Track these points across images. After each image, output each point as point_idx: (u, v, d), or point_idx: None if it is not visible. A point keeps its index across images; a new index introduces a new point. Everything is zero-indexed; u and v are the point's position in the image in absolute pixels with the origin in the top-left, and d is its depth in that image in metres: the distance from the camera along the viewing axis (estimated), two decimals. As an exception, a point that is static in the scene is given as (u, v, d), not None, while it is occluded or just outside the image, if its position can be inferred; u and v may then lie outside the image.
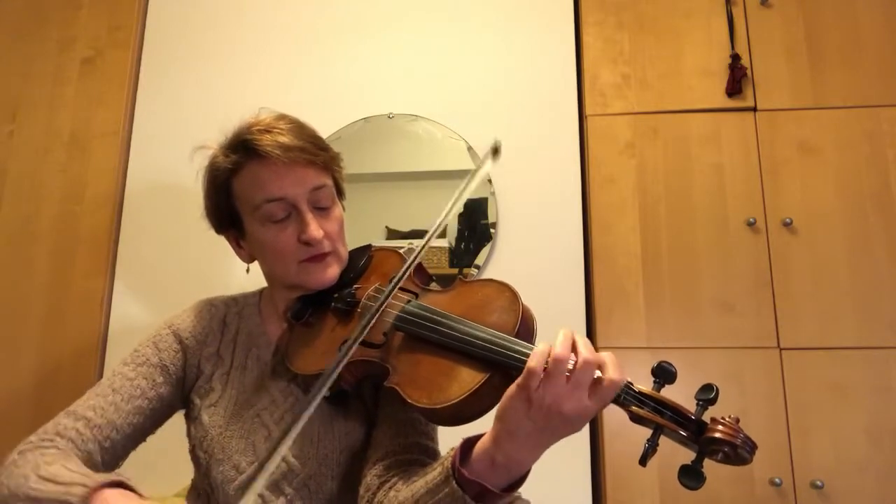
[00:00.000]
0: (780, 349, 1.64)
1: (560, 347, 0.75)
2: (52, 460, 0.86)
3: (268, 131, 1.00)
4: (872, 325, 1.63)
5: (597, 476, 1.66)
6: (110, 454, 0.95)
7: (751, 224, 1.71)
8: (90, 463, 0.92)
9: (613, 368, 0.76)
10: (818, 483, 1.54)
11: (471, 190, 0.94)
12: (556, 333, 0.78)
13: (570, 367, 0.75)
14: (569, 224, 1.83)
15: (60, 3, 2.07)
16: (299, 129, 1.04)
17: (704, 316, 1.68)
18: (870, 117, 1.76)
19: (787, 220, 1.70)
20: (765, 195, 1.74)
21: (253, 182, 1.01)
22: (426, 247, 0.93)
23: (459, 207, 0.96)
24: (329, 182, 1.05)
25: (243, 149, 1.01)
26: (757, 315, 1.67)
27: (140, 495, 0.79)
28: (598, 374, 0.76)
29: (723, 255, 1.71)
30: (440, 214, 0.92)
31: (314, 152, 1.02)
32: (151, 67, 2.04)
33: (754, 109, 1.80)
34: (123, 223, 1.93)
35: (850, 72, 1.79)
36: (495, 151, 0.95)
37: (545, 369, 0.75)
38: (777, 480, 1.55)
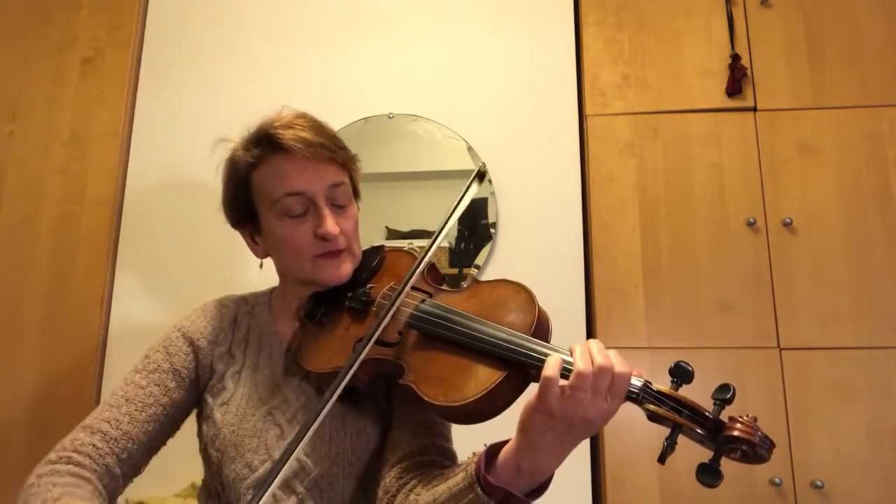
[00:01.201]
0: (780, 349, 1.64)
1: (581, 363, 0.76)
2: (59, 494, 0.86)
3: (290, 127, 1.02)
4: (872, 325, 1.63)
5: (597, 476, 1.66)
6: (128, 464, 0.96)
7: (751, 224, 1.71)
8: (109, 476, 0.93)
9: (620, 364, 0.77)
10: (818, 483, 1.54)
11: (461, 211, 0.98)
12: (565, 340, 0.80)
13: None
14: (569, 224, 1.83)
15: (60, 3, 2.07)
16: (319, 127, 1.06)
17: (704, 316, 1.68)
18: (870, 117, 1.76)
19: (787, 220, 1.70)
20: (765, 195, 1.74)
21: (272, 175, 1.02)
22: (435, 246, 0.94)
23: (453, 222, 1.00)
24: (347, 180, 1.06)
25: (266, 142, 1.03)
26: (757, 315, 1.67)
27: None
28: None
29: (723, 255, 1.71)
30: (435, 229, 0.97)
31: (334, 149, 1.03)
32: (151, 67, 2.04)
33: (754, 109, 1.80)
34: (123, 223, 1.93)
35: (850, 72, 1.79)
36: (481, 177, 1.00)
37: (569, 386, 0.75)
38: (777, 480, 1.55)
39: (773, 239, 1.71)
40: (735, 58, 1.82)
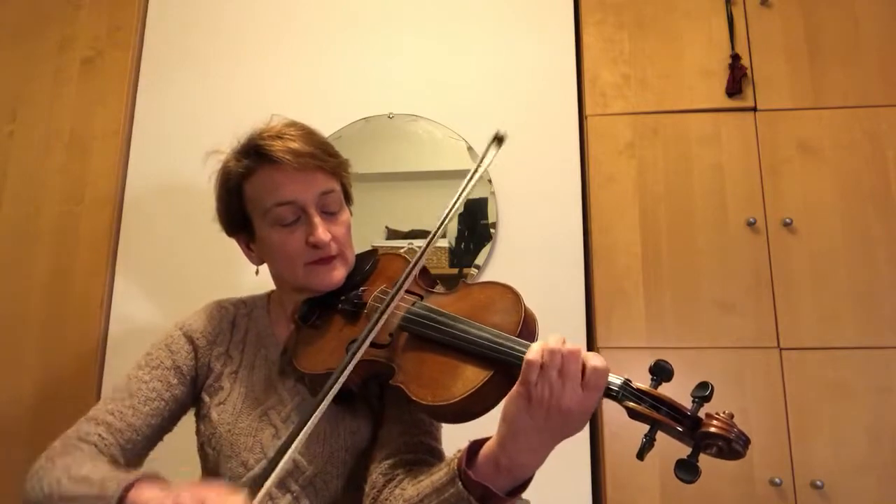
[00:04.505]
0: (780, 349, 1.64)
1: (553, 342, 0.79)
2: (81, 462, 0.89)
3: (279, 137, 1.03)
4: (872, 325, 1.63)
5: (597, 476, 1.66)
6: (132, 454, 0.99)
7: (751, 224, 1.72)
8: (114, 465, 0.95)
9: (593, 357, 0.79)
10: (818, 483, 1.54)
11: (474, 183, 0.98)
12: (556, 334, 0.80)
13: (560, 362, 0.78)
14: (569, 224, 1.82)
15: (60, 3, 2.07)
16: (309, 135, 1.07)
17: (704, 316, 1.68)
18: (870, 117, 1.76)
19: (787, 220, 1.70)
20: (765, 195, 1.74)
21: (264, 186, 1.03)
22: (432, 245, 0.96)
23: (460, 207, 1.01)
24: (337, 187, 1.07)
25: (255, 154, 1.04)
26: (757, 315, 1.67)
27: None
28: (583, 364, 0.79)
29: (723, 255, 1.71)
30: (444, 211, 0.95)
31: (323, 158, 1.04)
32: (151, 67, 2.04)
33: (754, 109, 1.80)
34: (123, 223, 1.93)
35: (850, 72, 1.79)
36: (500, 141, 1.00)
37: (541, 364, 0.77)
38: (777, 480, 1.55)
39: (773, 239, 1.71)
40: (735, 58, 1.82)
